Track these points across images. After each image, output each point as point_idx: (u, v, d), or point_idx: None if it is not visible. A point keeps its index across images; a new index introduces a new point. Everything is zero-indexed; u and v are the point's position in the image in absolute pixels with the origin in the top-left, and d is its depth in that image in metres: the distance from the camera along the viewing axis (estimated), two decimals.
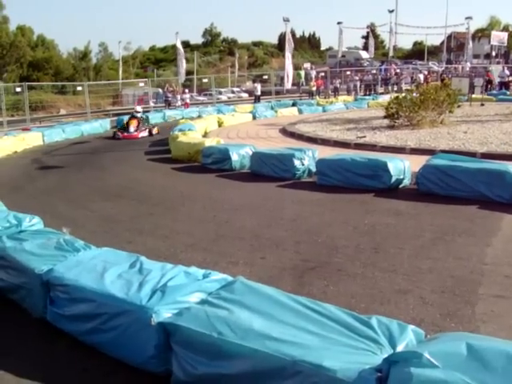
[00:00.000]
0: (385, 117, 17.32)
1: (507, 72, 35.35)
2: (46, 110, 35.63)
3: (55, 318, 4.22)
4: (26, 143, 18.06)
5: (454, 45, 65.46)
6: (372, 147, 12.85)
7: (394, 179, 8.77)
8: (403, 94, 17.80)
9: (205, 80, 43.07)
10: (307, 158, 10.30)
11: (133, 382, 3.54)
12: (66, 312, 4.11)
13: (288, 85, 33.17)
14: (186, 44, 71.74)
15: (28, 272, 4.45)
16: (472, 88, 25.47)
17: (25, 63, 57.43)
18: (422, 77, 36.66)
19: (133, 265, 4.28)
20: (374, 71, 41.66)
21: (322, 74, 39.86)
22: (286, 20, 33.34)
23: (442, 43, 58.23)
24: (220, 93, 44.71)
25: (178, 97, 32.74)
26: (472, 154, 10.39)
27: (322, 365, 2.72)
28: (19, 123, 24.90)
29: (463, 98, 21.23)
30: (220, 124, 21.67)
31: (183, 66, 36.04)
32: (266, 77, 43.81)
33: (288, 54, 31.88)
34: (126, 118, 21.82)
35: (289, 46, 31.26)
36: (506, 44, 46.68)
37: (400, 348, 2.91)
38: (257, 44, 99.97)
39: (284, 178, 10.10)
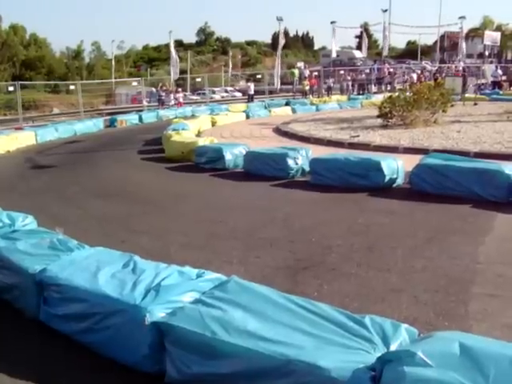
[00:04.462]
0: (378, 116, 17.35)
1: (500, 72, 35.49)
2: (38, 109, 35.47)
3: (49, 318, 4.21)
4: (19, 142, 17.96)
5: (448, 44, 65.53)
6: (365, 146, 12.86)
7: (387, 178, 8.79)
8: (396, 94, 17.84)
9: (198, 79, 42.98)
10: (301, 158, 10.31)
11: (126, 382, 3.53)
12: (60, 312, 4.10)
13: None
14: (179, 43, 71.67)
15: (21, 272, 4.44)
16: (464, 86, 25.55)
17: (17, 62, 57.37)
18: (415, 76, 36.71)
19: (126, 264, 4.27)
20: (368, 70, 41.70)
21: (316, 73, 39.88)
22: (280, 19, 33.40)
23: (436, 43, 58.17)
24: (213, 92, 44.59)
25: (172, 96, 32.67)
26: (465, 154, 10.41)
27: (315, 364, 2.72)
28: (12, 122, 24.74)
29: (456, 98, 21.29)
30: (213, 123, 21.64)
31: (176, 64, 35.98)
32: (259, 76, 43.80)
33: (279, 54, 31.95)
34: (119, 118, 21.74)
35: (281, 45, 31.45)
36: (498, 44, 46.73)
37: (393, 347, 2.92)
38: (250, 43, 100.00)
39: (277, 177, 10.10)
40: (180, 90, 36.26)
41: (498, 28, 60.31)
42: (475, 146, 11.79)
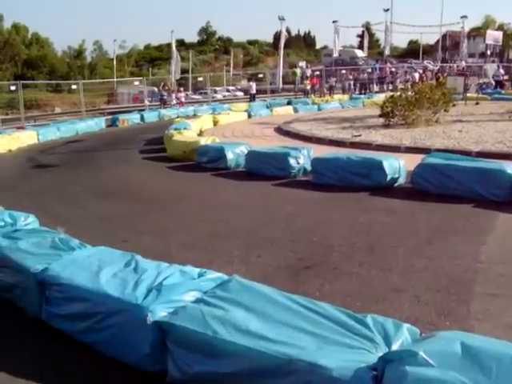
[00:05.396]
0: (380, 115, 17.30)
1: (502, 71, 35.43)
2: (40, 109, 35.54)
3: (50, 317, 4.21)
4: (21, 142, 17.98)
5: (449, 44, 65.46)
6: (367, 146, 12.84)
7: (389, 178, 8.78)
8: (398, 93, 17.82)
9: (200, 79, 42.99)
10: (302, 157, 10.30)
11: (128, 381, 3.53)
12: (62, 311, 4.10)
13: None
14: (181, 42, 71.72)
15: (23, 271, 4.44)
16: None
17: (19, 61, 57.39)
18: (417, 75, 36.66)
19: (128, 264, 4.27)
20: (370, 70, 41.65)
21: (318, 72, 39.85)
22: (282, 19, 33.39)
23: (437, 42, 58.18)
24: (215, 91, 44.65)
25: (173, 95, 32.66)
26: (467, 153, 10.40)
27: (317, 363, 2.72)
28: (14, 122, 24.79)
29: (458, 97, 21.26)
30: (215, 123, 21.62)
31: (178, 64, 35.97)
32: (261, 75, 43.80)
33: (281, 53, 31.94)
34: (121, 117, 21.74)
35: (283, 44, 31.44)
36: (500, 43, 46.66)
37: (395, 346, 2.91)
38: (252, 43, 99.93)
39: (279, 176, 10.09)
40: (182, 89, 36.21)
41: (500, 27, 60.16)
42: (477, 146, 11.77)
